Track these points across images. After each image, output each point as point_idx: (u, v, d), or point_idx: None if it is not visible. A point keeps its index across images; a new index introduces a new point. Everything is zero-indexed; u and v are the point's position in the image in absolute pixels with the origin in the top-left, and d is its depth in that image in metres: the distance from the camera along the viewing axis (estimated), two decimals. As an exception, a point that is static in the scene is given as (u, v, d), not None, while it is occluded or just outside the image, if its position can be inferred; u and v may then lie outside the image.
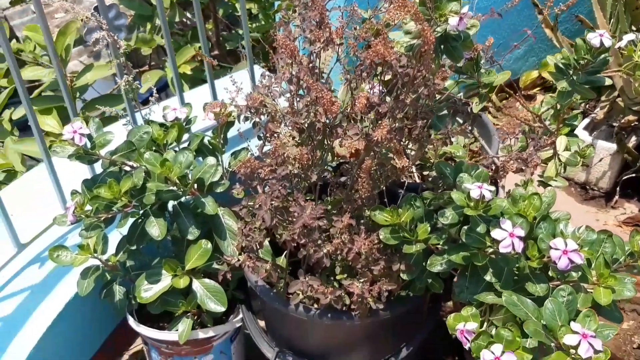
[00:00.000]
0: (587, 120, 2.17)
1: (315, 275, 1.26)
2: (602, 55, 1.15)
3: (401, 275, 1.18)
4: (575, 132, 2.14)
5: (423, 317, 1.39)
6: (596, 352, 0.89)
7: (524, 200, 1.11)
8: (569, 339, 0.90)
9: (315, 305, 1.22)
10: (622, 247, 1.05)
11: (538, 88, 2.61)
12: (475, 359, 0.99)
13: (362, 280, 1.16)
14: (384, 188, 1.26)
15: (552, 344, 0.96)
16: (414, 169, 1.66)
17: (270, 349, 1.37)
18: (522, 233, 1.01)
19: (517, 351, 0.99)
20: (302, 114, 1.13)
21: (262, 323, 1.50)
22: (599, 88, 2.21)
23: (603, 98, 2.20)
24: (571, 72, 1.18)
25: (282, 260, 1.29)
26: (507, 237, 1.00)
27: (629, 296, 1.01)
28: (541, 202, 1.10)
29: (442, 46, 0.98)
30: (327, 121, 1.17)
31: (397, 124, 1.06)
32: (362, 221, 1.24)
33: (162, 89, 3.16)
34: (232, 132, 1.44)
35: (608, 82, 1.18)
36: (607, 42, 1.10)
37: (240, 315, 1.42)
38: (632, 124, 2.09)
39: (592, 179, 2.12)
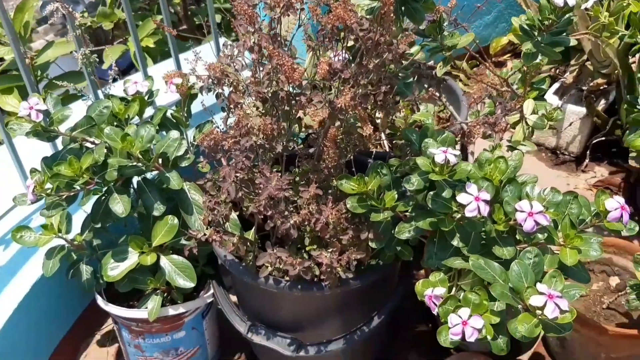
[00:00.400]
0: (557, 85, 2.16)
1: (285, 247, 1.25)
2: (567, 15, 1.13)
3: (370, 243, 1.17)
4: (546, 96, 2.14)
5: (394, 285, 1.39)
6: (562, 312, 0.90)
7: (490, 164, 1.10)
8: (535, 300, 0.90)
9: (286, 278, 1.21)
10: (588, 208, 1.05)
11: (509, 54, 2.60)
12: (444, 323, 0.99)
13: (330, 251, 1.15)
14: (352, 157, 1.25)
15: (519, 306, 0.96)
16: (383, 137, 1.65)
17: (242, 322, 1.36)
18: (487, 197, 1.00)
19: (485, 314, 0.99)
20: (264, 83, 1.10)
21: (234, 298, 1.48)
22: (568, 51, 2.21)
23: (572, 62, 2.20)
24: (536, 33, 1.17)
25: (251, 234, 1.27)
26: (472, 201, 1.00)
27: (595, 256, 1.01)
28: (507, 166, 1.09)
29: (402, 8, 0.96)
30: (291, 90, 1.15)
31: (360, 91, 1.04)
32: (329, 191, 1.23)
33: (131, 67, 3.09)
34: (199, 107, 1.40)
35: (573, 42, 1.17)
36: (571, 2, 1.09)
37: (211, 291, 1.41)
38: (601, 87, 2.09)
39: (563, 143, 2.13)
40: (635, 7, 1.42)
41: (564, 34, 1.15)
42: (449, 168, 1.03)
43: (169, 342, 1.42)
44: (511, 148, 1.43)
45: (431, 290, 1.03)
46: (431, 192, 1.05)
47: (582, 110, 2.05)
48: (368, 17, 0.99)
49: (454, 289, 1.09)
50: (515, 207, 1.00)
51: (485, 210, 1.00)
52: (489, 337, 0.96)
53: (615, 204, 1.01)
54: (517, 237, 1.06)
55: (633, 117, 1.48)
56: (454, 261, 1.06)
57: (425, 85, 1.61)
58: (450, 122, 1.66)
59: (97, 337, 1.64)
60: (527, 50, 1.16)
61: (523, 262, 0.97)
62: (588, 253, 1.01)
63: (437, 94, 1.55)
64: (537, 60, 1.22)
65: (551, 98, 2.12)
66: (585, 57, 2.12)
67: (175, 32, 1.31)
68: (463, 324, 0.94)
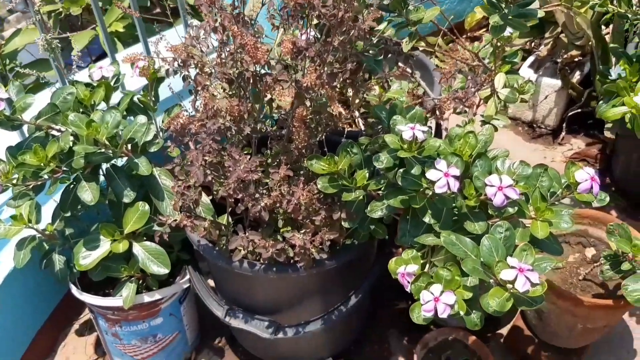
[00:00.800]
0: (532, 58, 2.16)
1: (259, 230, 1.24)
2: (532, -14, 1.12)
3: (343, 223, 1.16)
4: (521, 70, 2.14)
5: (371, 263, 1.38)
6: (533, 285, 0.89)
7: (459, 139, 1.09)
8: (505, 274, 0.90)
9: (261, 260, 1.20)
10: (558, 180, 1.04)
11: (484, 29, 2.58)
12: (417, 301, 0.98)
13: (303, 232, 1.14)
14: (325, 137, 1.23)
15: (491, 280, 0.95)
16: (357, 115, 1.63)
17: (219, 307, 1.35)
18: (457, 172, 1.00)
19: (457, 290, 0.98)
20: (228, 64, 1.08)
21: (212, 282, 1.47)
22: (542, 24, 2.20)
23: (547, 35, 2.19)
24: (503, 5, 1.15)
25: (224, 218, 1.26)
26: (442, 177, 0.99)
27: (566, 228, 1.01)
28: (477, 141, 1.08)
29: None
30: (258, 70, 1.13)
31: (326, 69, 1.02)
32: (301, 172, 1.22)
33: (103, 56, 3.03)
34: (170, 91, 1.38)
35: (541, 14, 1.16)
36: (537, -28, 1.07)
37: (187, 276, 1.39)
38: (576, 59, 2.09)
39: (539, 117, 2.13)
40: (604, -24, 1.41)
41: (531, 5, 1.14)
42: (418, 145, 1.02)
43: (147, 329, 1.41)
44: (485, 123, 1.42)
45: (404, 267, 1.03)
46: (401, 170, 1.04)
47: (558, 82, 2.05)
48: (330, -7, 0.96)
49: (427, 265, 1.08)
50: (485, 181, 0.99)
51: (455, 185, 0.99)
52: (461, 313, 0.96)
53: (585, 176, 1.00)
54: (489, 211, 1.06)
55: (605, 88, 1.48)
56: (427, 238, 1.06)
57: (398, 62, 1.60)
58: (424, 98, 1.65)
59: (76, 326, 1.63)
60: (495, 23, 1.14)
61: (494, 237, 0.96)
62: (559, 225, 1.00)
63: (409, 70, 1.53)
64: (507, 34, 1.21)
65: (526, 71, 2.11)
66: (559, 29, 2.12)
67: (138, 14, 1.27)
68: (435, 301, 0.94)
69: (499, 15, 1.15)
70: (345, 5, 0.98)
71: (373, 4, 1.05)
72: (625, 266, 1.17)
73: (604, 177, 1.95)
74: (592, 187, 1.01)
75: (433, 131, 1.62)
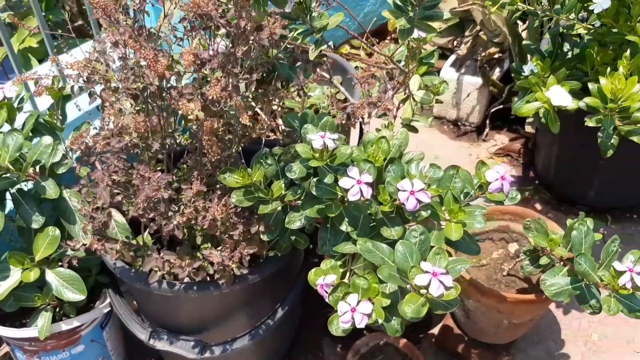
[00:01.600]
0: (453, 57, 2.19)
1: (177, 248, 1.20)
2: (437, -12, 1.12)
3: (262, 236, 1.13)
4: (443, 69, 2.17)
5: (298, 273, 1.36)
6: (447, 288, 0.89)
7: (372, 145, 1.08)
8: (419, 280, 0.89)
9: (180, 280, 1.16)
10: (470, 181, 1.05)
11: (408, 30, 2.60)
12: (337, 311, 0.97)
13: (220, 248, 1.11)
14: (244, 147, 1.21)
15: (408, 286, 0.95)
16: (280, 123, 1.61)
17: (143, 330, 1.30)
18: (369, 179, 0.99)
19: (376, 297, 0.97)
20: (130, 78, 1.04)
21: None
22: (463, 23, 2.23)
23: (467, 33, 2.23)
24: (410, 8, 1.15)
25: (141, 238, 1.21)
26: (354, 184, 0.98)
27: (480, 228, 1.01)
28: (390, 145, 1.07)
29: (263, -9, 0.92)
30: (163, 83, 1.09)
31: (231, 80, 1.00)
32: (218, 186, 1.19)
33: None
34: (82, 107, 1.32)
35: (447, 15, 1.17)
36: (438, -26, 1.08)
37: (108, 300, 1.34)
38: (495, 56, 2.13)
39: (463, 114, 2.16)
40: (509, -24, 1.43)
41: (436, 7, 1.14)
42: (329, 153, 1.00)
43: (68, 358, 1.34)
44: (405, 125, 1.43)
45: (323, 278, 1.01)
46: (314, 179, 1.02)
47: (479, 80, 2.09)
48: (226, 4, 0.94)
49: (348, 274, 1.07)
50: (397, 186, 0.99)
51: (368, 192, 0.98)
52: (380, 321, 0.95)
53: (495, 175, 1.01)
54: (406, 215, 1.05)
55: (518, 84, 1.51)
56: (345, 246, 1.04)
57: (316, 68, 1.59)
58: (347, 104, 1.64)
59: (-6, 360, 1.54)
60: (402, 27, 1.14)
61: (408, 242, 0.95)
62: (473, 225, 1.01)
63: (327, 75, 1.52)
64: (415, 35, 1.21)
65: (448, 71, 2.14)
66: (478, 27, 2.15)
67: (47, 31, 1.21)
68: (352, 311, 0.93)
69: (405, 18, 1.14)
70: (245, 15, 0.95)
71: (274, 12, 1.03)
72: (544, 260, 1.18)
73: (527, 171, 1.99)
74: (502, 186, 1.02)
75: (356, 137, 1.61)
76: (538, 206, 1.86)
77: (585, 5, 1.45)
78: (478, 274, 1.38)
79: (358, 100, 1.57)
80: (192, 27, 1.02)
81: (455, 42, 2.32)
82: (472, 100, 2.12)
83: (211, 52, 1.00)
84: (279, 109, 1.70)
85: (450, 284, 0.89)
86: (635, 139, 1.31)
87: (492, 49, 2.09)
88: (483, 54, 2.05)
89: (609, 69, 1.39)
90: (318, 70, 1.51)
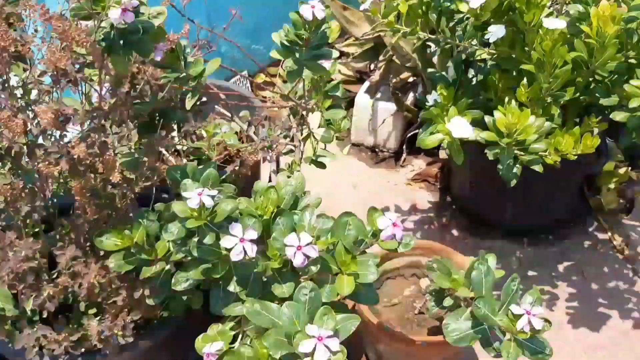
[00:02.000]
0: (367, 84, 2.16)
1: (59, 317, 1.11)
2: (322, 28, 1.08)
3: (147, 301, 1.05)
4: (358, 96, 2.14)
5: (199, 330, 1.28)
6: (334, 353, 0.83)
7: (261, 195, 1.02)
8: (303, 347, 0.83)
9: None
10: (361, 230, 1.00)
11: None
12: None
13: (99, 317, 1.03)
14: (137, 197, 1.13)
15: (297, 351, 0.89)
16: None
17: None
18: (254, 235, 0.93)
19: (267, 364, 0.91)
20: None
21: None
22: (377, 48, 2.21)
23: (380, 58, 2.20)
24: (297, 48, 1.10)
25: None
26: (237, 243, 0.92)
27: (373, 279, 0.96)
28: (279, 195, 1.02)
29: (122, 42, 0.85)
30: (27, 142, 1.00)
31: (97, 137, 0.92)
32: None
33: None
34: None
35: (336, 54, 1.12)
36: (320, 14, 1.03)
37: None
38: (408, 81, 2.11)
39: (380, 141, 2.13)
40: (403, 7, 1.40)
41: (323, 46, 1.10)
42: (208, 210, 0.94)
43: None
44: (312, 162, 1.38)
45: (209, 346, 0.94)
46: (195, 239, 0.95)
47: (393, 106, 2.06)
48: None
49: (241, 336, 1.00)
50: (284, 242, 0.93)
51: (252, 250, 0.92)
52: (270, 391, 0.89)
53: (386, 222, 0.97)
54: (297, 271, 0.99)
55: (422, 115, 1.48)
56: (234, 308, 0.98)
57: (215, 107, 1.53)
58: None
59: None
60: (289, 68, 1.09)
61: (294, 303, 0.90)
62: (366, 277, 0.96)
63: (228, 114, 1.46)
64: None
65: (363, 97, 2.11)
66: (390, 52, 2.13)
67: None
68: (237, 384, 0.86)
69: (292, 59, 1.10)
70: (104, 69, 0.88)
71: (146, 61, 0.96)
72: (447, 302, 1.15)
73: (445, 195, 1.97)
74: (394, 234, 0.97)
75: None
76: (455, 232, 1.84)
77: (482, 33, 1.43)
78: (390, 314, 1.33)
79: (263, 136, 1.51)
80: (55, 81, 0.94)
81: (371, 67, 2.30)
82: (388, 126, 2.10)
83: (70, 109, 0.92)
84: (184, 148, 1.63)
85: (337, 348, 0.84)
86: (536, 168, 1.30)
87: (405, 74, 2.08)
88: (395, 79, 2.03)
89: (509, 97, 1.38)
90: (217, 107, 1.45)
